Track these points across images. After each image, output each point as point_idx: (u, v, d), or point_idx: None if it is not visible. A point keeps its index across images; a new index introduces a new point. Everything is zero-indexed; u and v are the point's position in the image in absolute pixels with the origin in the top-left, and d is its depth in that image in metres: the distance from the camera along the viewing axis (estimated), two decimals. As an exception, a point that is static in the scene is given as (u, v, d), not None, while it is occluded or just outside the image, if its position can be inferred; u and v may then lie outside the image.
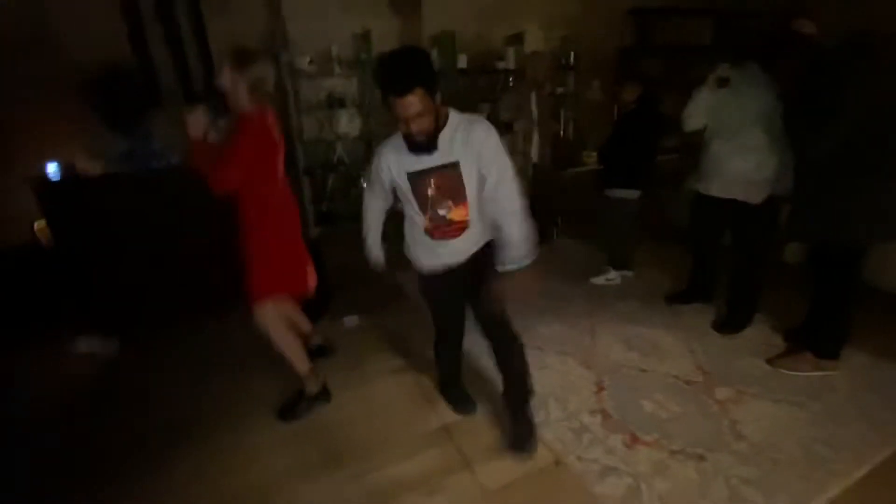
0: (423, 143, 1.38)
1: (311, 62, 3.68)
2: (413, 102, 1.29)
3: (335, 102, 3.96)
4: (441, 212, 1.50)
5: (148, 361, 2.48)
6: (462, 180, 1.44)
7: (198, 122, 1.65)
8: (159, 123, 2.82)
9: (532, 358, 2.31)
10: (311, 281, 2.01)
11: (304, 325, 2.29)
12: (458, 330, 1.87)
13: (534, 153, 3.65)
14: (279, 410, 1.99)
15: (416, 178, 1.46)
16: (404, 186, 1.49)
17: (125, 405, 2.16)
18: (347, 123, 4.08)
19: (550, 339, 2.48)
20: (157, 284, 2.68)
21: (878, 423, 1.80)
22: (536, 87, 3.57)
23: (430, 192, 1.47)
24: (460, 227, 1.54)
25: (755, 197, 2.22)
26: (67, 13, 2.93)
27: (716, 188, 2.36)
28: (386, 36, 4.00)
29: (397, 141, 1.44)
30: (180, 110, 1.71)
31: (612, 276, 3.18)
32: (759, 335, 2.42)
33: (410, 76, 1.28)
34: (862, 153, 1.75)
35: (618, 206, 3.01)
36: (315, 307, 2.69)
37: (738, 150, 2.23)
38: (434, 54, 4.10)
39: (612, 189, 3.00)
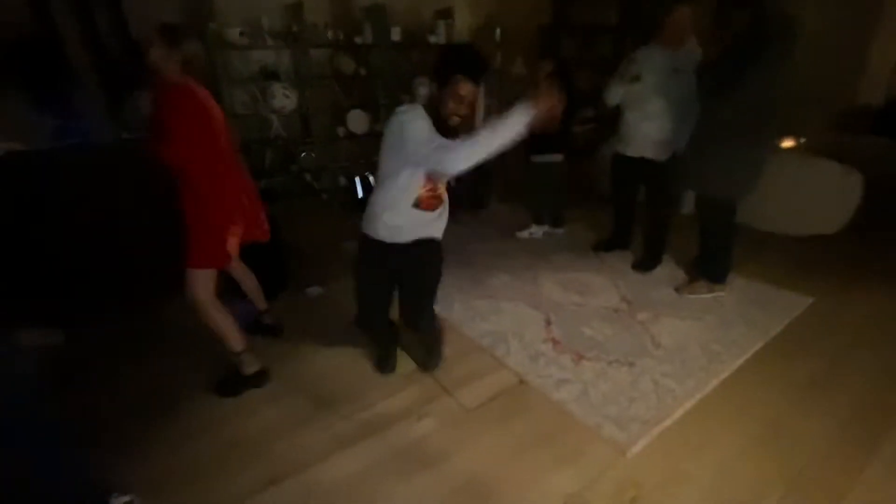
0: (454, 129, 1.59)
1: (242, 34, 3.56)
2: (477, 92, 1.52)
3: (269, 75, 3.87)
4: (437, 185, 1.73)
5: (99, 347, 2.38)
6: None
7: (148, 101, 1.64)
8: (84, 98, 2.63)
9: (487, 305, 2.62)
10: (261, 227, 2.04)
11: (261, 302, 2.34)
12: (382, 309, 2.01)
13: (479, 120, 3.89)
14: (216, 387, 1.98)
15: None
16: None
17: (88, 391, 2.08)
18: (282, 97, 4.01)
19: (500, 289, 2.80)
20: (98, 268, 2.54)
21: (755, 324, 2.34)
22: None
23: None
24: (440, 201, 1.78)
25: (661, 155, 2.68)
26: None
27: (631, 149, 2.79)
28: (318, 8, 3.96)
29: (423, 113, 1.57)
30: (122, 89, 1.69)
31: (535, 230, 3.60)
32: (667, 270, 2.94)
33: (486, 70, 1.53)
34: (749, 123, 2.13)
35: (545, 170, 3.38)
36: (274, 282, 2.75)
37: (644, 117, 2.67)
38: (366, 27, 4.14)
39: (537, 155, 3.36)
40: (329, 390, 2.00)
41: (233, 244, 1.87)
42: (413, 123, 1.54)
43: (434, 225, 1.82)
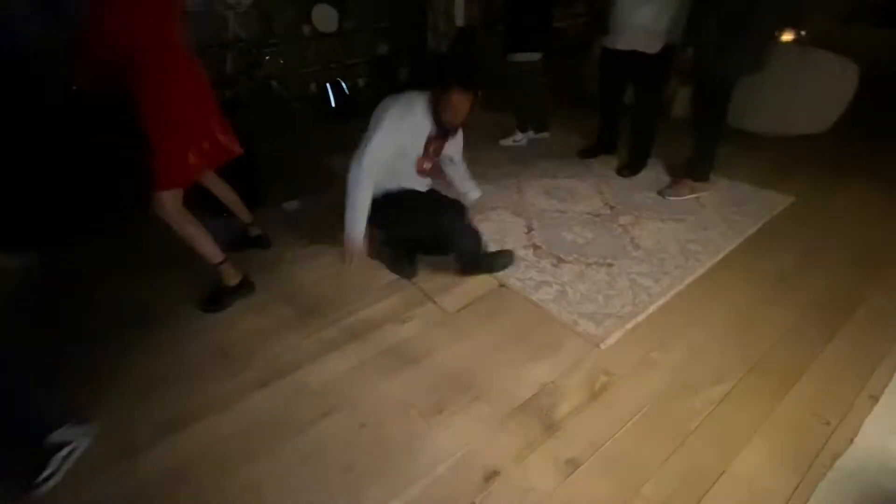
0: (453, 129, 1.89)
1: None
2: (472, 100, 1.75)
3: (218, -38, 3.38)
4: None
5: (76, 268, 2.34)
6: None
7: None
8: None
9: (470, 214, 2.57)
10: (227, 145, 1.92)
11: (244, 215, 2.27)
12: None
13: (458, 15, 3.52)
14: (202, 303, 1.97)
15: (432, 140, 1.90)
16: (420, 145, 1.88)
17: (67, 309, 2.07)
18: (236, -10, 3.54)
19: (483, 199, 2.72)
20: (67, 185, 2.40)
21: (734, 224, 2.36)
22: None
23: (433, 148, 1.94)
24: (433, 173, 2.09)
25: (653, 47, 2.48)
26: None
27: (621, 42, 2.58)
28: None
29: (414, 119, 1.79)
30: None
31: (519, 137, 3.44)
32: (652, 174, 2.89)
33: (480, 78, 1.83)
34: (742, 8, 2.03)
35: (522, 70, 3.14)
36: (251, 195, 2.65)
37: (640, 3, 2.42)
38: None
39: (514, 53, 3.10)
40: (314, 299, 2.02)
41: (196, 159, 1.76)
42: (387, 111, 1.77)
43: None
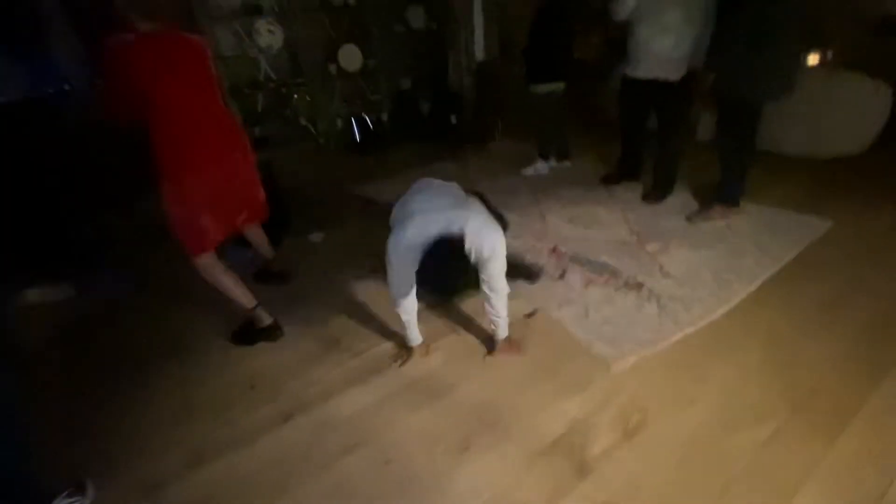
0: None
1: (217, -38, 3.28)
2: None
3: (251, 10, 3.61)
4: None
5: (110, 301, 2.41)
6: None
7: None
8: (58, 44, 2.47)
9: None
10: (260, 209, 1.96)
11: (266, 251, 2.31)
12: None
13: (478, 50, 3.64)
14: (232, 336, 1.99)
15: None
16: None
17: (96, 341, 2.13)
18: (267, 34, 3.76)
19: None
20: (103, 217, 2.53)
21: (769, 251, 2.28)
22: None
23: None
24: None
25: (675, 74, 2.49)
26: None
27: (642, 70, 2.59)
28: (298, -73, 3.61)
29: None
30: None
31: (541, 166, 3.46)
32: (679, 200, 2.84)
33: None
34: (764, 26, 2.02)
35: (545, 100, 3.19)
36: (276, 229, 2.72)
37: (659, 31, 2.44)
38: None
39: (537, 84, 3.16)
40: (338, 331, 2.02)
41: (215, 229, 1.77)
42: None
43: None
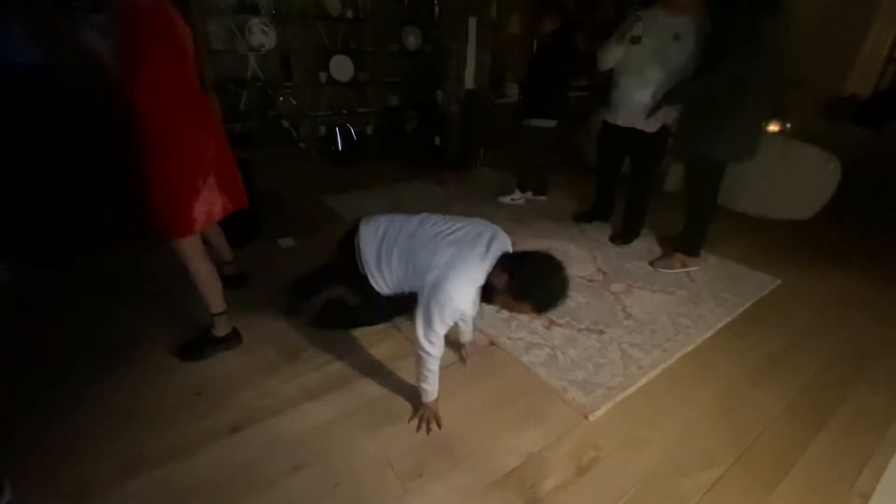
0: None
1: (217, -44, 3.25)
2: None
3: (247, 8, 3.58)
4: None
5: (52, 289, 2.25)
6: None
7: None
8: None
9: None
10: (240, 194, 1.85)
11: (226, 252, 2.23)
12: None
13: (468, 79, 3.73)
14: (181, 349, 1.84)
15: None
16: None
17: (35, 331, 1.98)
18: (260, 34, 3.73)
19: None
20: (60, 200, 2.38)
21: (724, 302, 2.40)
22: (477, 13, 3.58)
23: None
24: None
25: (651, 126, 2.62)
26: None
27: (622, 118, 2.72)
28: (304, -66, 3.64)
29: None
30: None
31: (517, 196, 3.55)
32: (644, 245, 2.96)
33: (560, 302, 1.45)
34: (735, 93, 2.16)
35: (536, 135, 3.30)
36: (246, 230, 2.65)
37: (640, 84, 2.58)
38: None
39: (531, 119, 3.27)
40: (298, 342, 1.96)
41: (200, 210, 1.66)
42: (456, 286, 1.42)
43: None
